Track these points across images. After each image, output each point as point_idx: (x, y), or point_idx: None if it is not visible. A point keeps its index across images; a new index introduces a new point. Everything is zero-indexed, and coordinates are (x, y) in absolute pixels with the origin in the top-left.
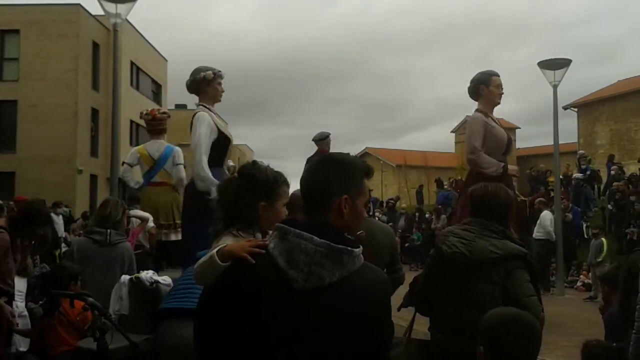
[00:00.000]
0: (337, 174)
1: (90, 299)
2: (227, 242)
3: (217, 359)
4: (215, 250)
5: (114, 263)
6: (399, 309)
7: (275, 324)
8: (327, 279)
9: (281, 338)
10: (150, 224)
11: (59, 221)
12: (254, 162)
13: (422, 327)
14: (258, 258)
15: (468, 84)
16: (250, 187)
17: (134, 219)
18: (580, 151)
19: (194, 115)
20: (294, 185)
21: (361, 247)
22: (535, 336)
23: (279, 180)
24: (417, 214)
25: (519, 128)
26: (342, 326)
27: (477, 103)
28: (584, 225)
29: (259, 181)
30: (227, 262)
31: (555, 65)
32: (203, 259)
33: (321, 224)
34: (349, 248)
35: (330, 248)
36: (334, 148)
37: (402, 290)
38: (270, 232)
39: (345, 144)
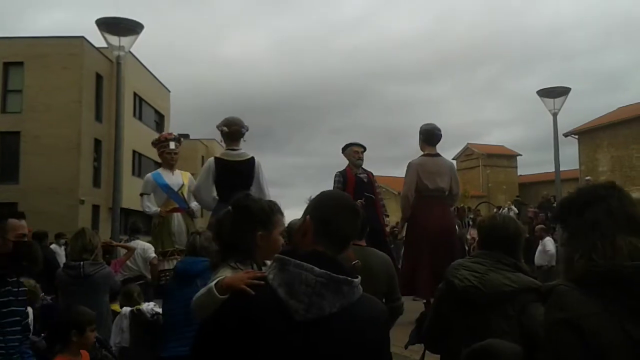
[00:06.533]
0: None
1: None
2: (225, 274)
3: None
4: (213, 283)
5: (94, 294)
6: (406, 347)
7: (275, 356)
8: (328, 309)
9: None
10: (151, 254)
11: (60, 252)
12: (247, 195)
13: None
14: (257, 289)
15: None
16: (246, 218)
17: (120, 249)
18: (587, 177)
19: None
20: (297, 214)
21: (359, 278)
22: None
23: (273, 209)
24: None
25: (521, 155)
26: (341, 357)
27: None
28: None
29: (254, 211)
30: (226, 294)
31: (554, 93)
32: (201, 291)
33: (321, 254)
34: (349, 278)
35: (330, 278)
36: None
37: (402, 319)
38: (269, 262)
39: None
